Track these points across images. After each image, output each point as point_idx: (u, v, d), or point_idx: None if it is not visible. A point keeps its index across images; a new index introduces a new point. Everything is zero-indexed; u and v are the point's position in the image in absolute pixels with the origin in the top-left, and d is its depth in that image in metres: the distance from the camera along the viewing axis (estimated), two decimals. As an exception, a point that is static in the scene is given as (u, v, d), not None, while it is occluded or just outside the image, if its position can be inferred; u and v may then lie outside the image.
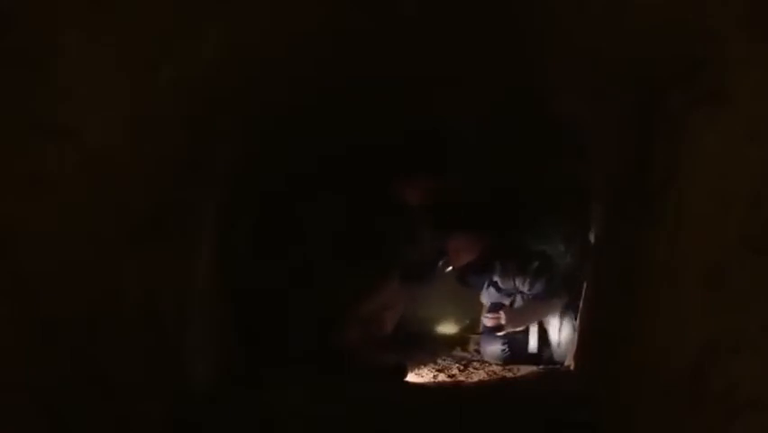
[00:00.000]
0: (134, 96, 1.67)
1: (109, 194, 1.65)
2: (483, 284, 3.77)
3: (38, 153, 1.44)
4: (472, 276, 3.79)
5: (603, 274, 2.52)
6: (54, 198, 1.48)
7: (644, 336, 1.75)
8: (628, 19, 1.74)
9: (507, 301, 3.68)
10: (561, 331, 3.57)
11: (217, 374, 2.49)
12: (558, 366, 3.35)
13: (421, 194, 3.53)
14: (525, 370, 3.30)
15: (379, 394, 2.64)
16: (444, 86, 2.82)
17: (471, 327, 3.96)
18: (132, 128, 1.70)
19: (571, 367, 3.06)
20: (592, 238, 3.03)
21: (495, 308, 3.67)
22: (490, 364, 3.54)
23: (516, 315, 3.60)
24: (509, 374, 3.28)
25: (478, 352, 3.80)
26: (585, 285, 2.97)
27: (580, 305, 3.06)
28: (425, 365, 3.46)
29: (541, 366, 3.37)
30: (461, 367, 3.47)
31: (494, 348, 3.63)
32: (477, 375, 3.34)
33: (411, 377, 3.24)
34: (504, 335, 3.59)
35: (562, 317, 3.57)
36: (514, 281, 3.63)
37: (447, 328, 4.16)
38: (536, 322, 3.60)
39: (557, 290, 3.55)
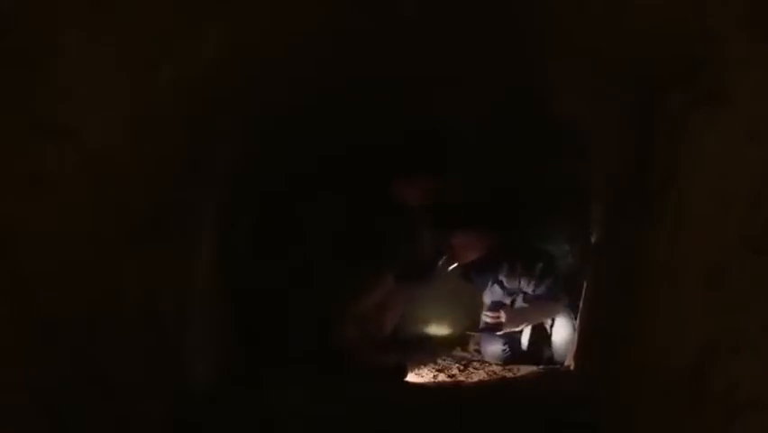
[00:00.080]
0: (134, 96, 1.67)
1: (109, 194, 1.65)
2: (487, 282, 3.76)
3: (38, 153, 1.44)
4: (477, 274, 3.78)
5: (603, 274, 2.52)
6: (54, 198, 1.48)
7: (644, 336, 1.75)
8: (628, 19, 1.74)
9: (508, 301, 3.68)
10: (560, 331, 3.57)
11: (217, 374, 2.49)
12: (558, 366, 3.35)
13: (421, 194, 3.52)
14: (525, 370, 3.30)
15: (379, 394, 2.64)
16: (444, 86, 2.82)
17: (471, 326, 3.95)
18: (132, 128, 1.70)
19: (571, 367, 3.06)
20: (592, 238, 3.03)
21: (496, 306, 3.67)
22: (490, 364, 3.53)
23: (516, 315, 3.60)
24: (509, 374, 3.28)
25: (478, 352, 3.80)
26: (585, 285, 2.97)
27: (580, 305, 3.06)
28: (425, 365, 3.46)
29: (541, 366, 3.37)
30: (461, 367, 3.47)
31: (495, 348, 3.63)
32: (477, 375, 3.34)
33: (411, 377, 3.24)
34: (504, 334, 3.59)
35: (561, 317, 3.57)
36: (519, 281, 3.63)
37: (447, 328, 4.16)
38: (535, 322, 3.60)
39: (559, 292, 3.55)
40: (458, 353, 3.83)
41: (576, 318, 3.30)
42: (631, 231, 1.98)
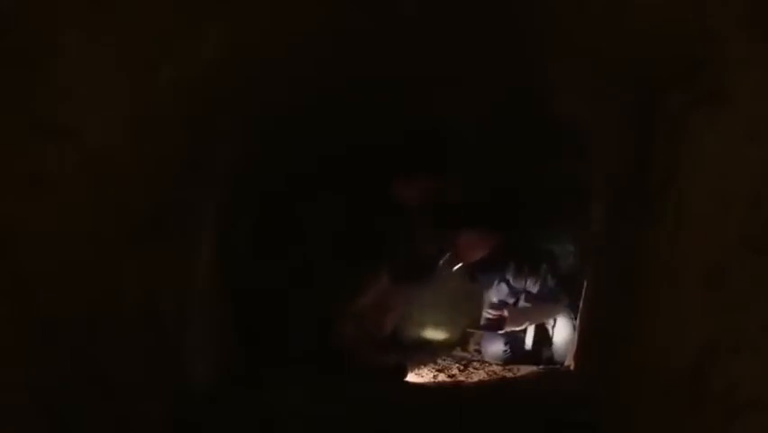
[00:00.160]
0: (134, 96, 1.67)
1: (109, 194, 1.65)
2: (493, 281, 3.76)
3: (38, 153, 1.44)
4: (481, 273, 3.78)
5: (603, 274, 2.52)
6: (54, 198, 1.48)
7: (644, 336, 1.75)
8: (628, 19, 1.74)
9: (511, 300, 3.69)
10: (561, 331, 3.57)
11: (217, 374, 2.49)
12: (558, 366, 3.35)
13: (421, 194, 3.52)
14: (525, 370, 3.30)
15: (379, 394, 2.64)
16: (444, 86, 2.82)
17: (472, 325, 3.95)
18: (132, 128, 1.70)
19: (571, 367, 3.06)
20: (592, 238, 3.03)
21: (499, 304, 3.68)
22: (490, 364, 3.54)
23: (519, 314, 3.60)
24: (509, 374, 3.28)
25: (478, 352, 3.80)
26: (585, 285, 2.97)
27: (580, 305, 3.06)
28: (425, 365, 3.46)
29: (541, 366, 3.37)
30: (461, 367, 3.47)
31: (495, 348, 3.63)
32: (477, 375, 3.34)
33: (411, 377, 3.24)
34: (505, 334, 3.60)
35: (562, 317, 3.58)
36: (525, 281, 3.63)
37: (448, 328, 4.15)
38: (537, 322, 3.60)
39: (560, 292, 3.56)
40: (458, 353, 3.83)
41: (576, 318, 3.31)
42: (631, 231, 1.98)
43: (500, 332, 3.61)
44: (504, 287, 3.71)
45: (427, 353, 3.68)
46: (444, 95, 2.89)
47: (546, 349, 3.60)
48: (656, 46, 1.68)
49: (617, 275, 2.15)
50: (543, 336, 3.64)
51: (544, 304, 3.61)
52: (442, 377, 3.31)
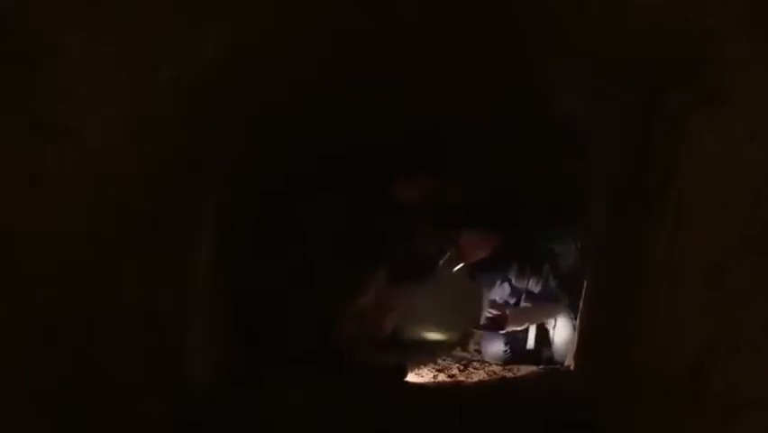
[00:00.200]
0: (134, 96, 1.67)
1: (109, 194, 1.65)
2: (495, 281, 3.76)
3: (38, 153, 1.44)
4: (482, 273, 3.78)
5: (603, 274, 2.52)
6: (54, 198, 1.48)
7: (644, 336, 1.75)
8: (628, 19, 1.74)
9: (513, 300, 3.69)
10: (561, 331, 3.58)
11: (217, 374, 2.49)
12: (558, 366, 3.35)
13: (421, 194, 3.52)
14: (525, 370, 3.30)
15: (379, 394, 2.64)
16: (444, 86, 2.82)
17: (473, 325, 3.95)
18: (132, 128, 1.70)
19: (571, 367, 3.06)
20: (592, 238, 3.03)
21: (500, 304, 3.67)
22: (490, 364, 3.54)
23: (520, 314, 3.60)
24: (509, 374, 3.28)
25: (478, 352, 3.80)
26: (585, 285, 2.97)
27: (580, 305, 3.06)
28: (425, 365, 3.45)
29: (541, 366, 3.37)
30: (461, 367, 3.47)
31: (496, 348, 3.64)
32: (477, 375, 3.34)
33: (411, 377, 3.24)
34: (505, 334, 3.60)
35: (562, 317, 3.58)
36: (528, 281, 3.63)
37: (448, 328, 4.15)
38: (537, 322, 3.60)
39: (560, 292, 3.56)
40: (458, 353, 3.83)
41: (576, 318, 3.31)
42: (631, 231, 1.98)
43: (501, 332, 3.61)
44: (506, 287, 3.72)
45: (427, 353, 3.67)
46: (444, 95, 2.89)
47: (546, 349, 3.60)
48: (656, 46, 1.67)
49: (617, 275, 2.15)
50: (543, 337, 3.65)
51: (544, 304, 3.62)
52: (442, 377, 3.31)
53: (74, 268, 1.56)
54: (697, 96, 1.48)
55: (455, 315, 4.08)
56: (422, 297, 3.81)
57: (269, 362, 2.83)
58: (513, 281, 3.68)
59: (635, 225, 1.92)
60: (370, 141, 3.23)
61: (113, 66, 1.57)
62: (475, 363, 3.56)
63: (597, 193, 2.82)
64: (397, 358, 3.28)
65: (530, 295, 3.65)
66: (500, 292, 3.74)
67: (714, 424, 1.30)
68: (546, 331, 3.66)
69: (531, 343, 3.61)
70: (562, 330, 3.60)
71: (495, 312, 3.61)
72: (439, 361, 3.58)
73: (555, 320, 3.64)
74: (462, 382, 3.22)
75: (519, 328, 3.62)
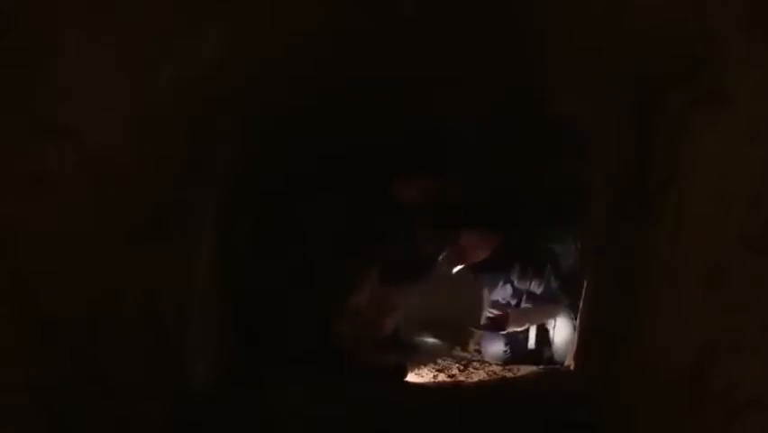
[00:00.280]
0: (134, 96, 1.67)
1: (109, 194, 1.65)
2: (497, 282, 3.76)
3: (38, 153, 1.44)
4: (482, 273, 3.78)
5: (603, 274, 2.52)
6: (54, 198, 1.48)
7: (644, 336, 1.75)
8: (628, 19, 1.74)
9: (514, 301, 3.69)
10: (561, 331, 3.58)
11: (217, 374, 2.49)
12: (558, 366, 3.35)
13: (421, 194, 3.52)
14: (525, 370, 3.30)
15: (379, 394, 2.64)
16: (444, 86, 2.82)
17: (473, 324, 3.95)
18: (132, 128, 1.70)
19: (571, 367, 3.06)
20: (592, 238, 3.03)
21: (502, 305, 3.67)
22: (490, 364, 3.54)
23: (521, 315, 3.60)
24: (509, 374, 3.28)
25: (478, 352, 3.80)
26: (585, 285, 2.97)
27: (581, 305, 3.06)
28: (425, 365, 3.45)
29: (541, 366, 3.37)
30: (461, 367, 3.47)
31: (496, 349, 3.64)
32: (477, 375, 3.34)
33: (411, 377, 3.24)
34: (506, 334, 3.60)
35: (562, 317, 3.58)
36: (530, 283, 3.63)
37: (448, 328, 4.15)
38: (537, 323, 3.61)
39: (561, 293, 3.56)
40: (458, 353, 3.83)
41: (576, 319, 3.31)
42: (631, 231, 1.98)
43: (502, 333, 3.61)
44: (508, 288, 3.71)
45: (427, 353, 3.67)
46: (444, 95, 2.89)
47: (546, 349, 3.60)
48: (656, 46, 1.67)
49: (617, 275, 2.15)
50: (543, 337, 3.65)
51: (546, 305, 3.61)
52: (442, 377, 3.30)
53: (74, 268, 1.56)
54: (697, 96, 1.48)
55: (456, 315, 4.09)
56: (423, 297, 3.82)
57: (269, 362, 2.83)
58: (515, 283, 3.68)
59: (635, 225, 1.92)
60: (370, 141, 3.23)
61: (113, 66, 1.57)
62: (475, 363, 3.56)
63: (597, 193, 2.82)
64: (397, 358, 3.28)
65: (531, 296, 3.65)
66: (502, 293, 3.74)
67: (714, 424, 1.30)
68: (546, 331, 3.66)
69: (532, 343, 3.62)
70: (562, 330, 3.60)
71: (496, 312, 3.61)
72: (439, 361, 3.58)
73: (555, 320, 3.64)
74: (462, 382, 3.22)
75: (520, 329, 3.62)
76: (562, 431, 2.14)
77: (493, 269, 3.72)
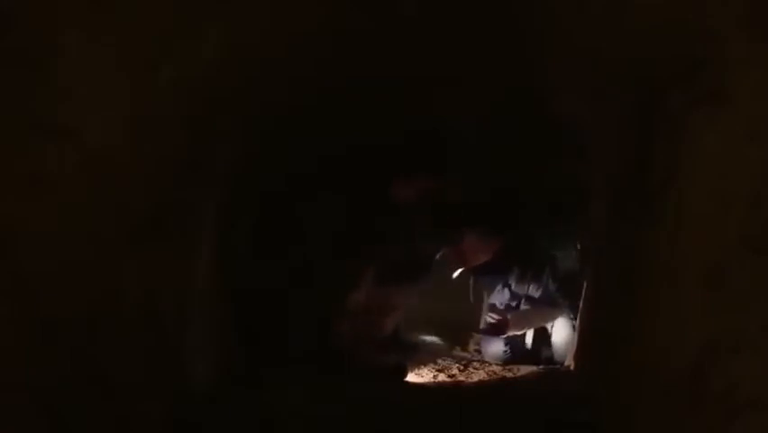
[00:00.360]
0: (134, 96, 1.67)
1: (109, 194, 1.65)
2: (495, 285, 3.75)
3: (38, 153, 1.44)
4: (484, 275, 3.77)
5: (603, 274, 2.52)
6: (54, 198, 1.48)
7: (644, 336, 1.75)
8: (628, 19, 1.74)
9: (513, 303, 3.69)
10: (560, 332, 3.58)
11: (217, 374, 2.49)
12: (558, 366, 3.35)
13: (421, 194, 3.52)
14: (525, 370, 3.30)
15: (379, 394, 2.64)
16: (444, 86, 2.82)
17: (473, 327, 3.95)
18: (132, 128, 1.70)
19: (571, 367, 3.06)
20: (592, 238, 3.03)
21: (501, 309, 3.67)
22: (490, 364, 3.54)
23: (521, 318, 3.60)
24: (509, 374, 3.28)
25: (478, 352, 3.80)
26: (585, 285, 2.97)
27: (581, 305, 3.06)
28: (425, 365, 3.45)
29: (541, 366, 3.38)
30: (461, 367, 3.47)
31: (496, 349, 3.64)
32: (477, 375, 3.34)
33: (411, 377, 3.24)
34: (506, 336, 3.60)
35: (561, 318, 3.58)
36: (528, 287, 3.63)
37: (448, 329, 4.15)
38: (537, 326, 3.61)
39: (560, 296, 3.55)
40: (458, 353, 3.83)
41: (575, 319, 3.31)
42: (631, 231, 1.98)
43: (502, 336, 3.62)
44: (506, 292, 3.71)
45: (427, 353, 3.68)
46: (444, 95, 2.89)
47: (546, 349, 3.60)
48: (656, 46, 1.67)
49: (617, 275, 2.15)
50: (542, 337, 3.65)
51: (544, 308, 3.61)
52: (442, 377, 3.30)
53: (74, 268, 1.56)
54: (697, 96, 1.48)
55: (456, 315, 4.09)
56: (423, 297, 3.82)
57: (269, 362, 2.83)
58: (513, 287, 3.68)
59: (635, 225, 1.92)
60: (370, 141, 3.23)
61: (113, 66, 1.57)
62: (475, 363, 3.56)
63: (597, 193, 2.82)
64: (397, 358, 3.28)
65: (529, 299, 3.65)
66: (500, 297, 3.74)
67: (714, 424, 1.30)
68: (545, 331, 3.66)
69: (529, 342, 3.62)
70: (560, 330, 3.60)
71: (496, 317, 3.61)
72: (439, 361, 3.58)
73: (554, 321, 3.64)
74: (462, 382, 3.22)
75: (520, 333, 3.62)
76: (562, 431, 2.14)
77: (492, 272, 3.72)
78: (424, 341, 3.92)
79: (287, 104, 2.71)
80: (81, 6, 1.46)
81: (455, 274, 3.77)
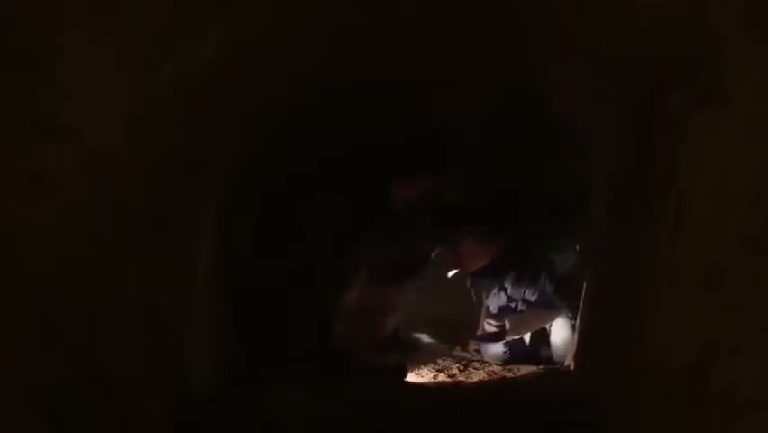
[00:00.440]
0: (134, 96, 1.67)
1: (109, 194, 1.65)
2: (491, 288, 3.75)
3: (38, 153, 1.44)
4: (481, 278, 3.77)
5: (603, 274, 2.52)
6: (54, 198, 1.49)
7: (644, 336, 1.75)
8: (628, 19, 1.74)
9: (512, 305, 3.68)
10: (559, 332, 3.58)
11: (217, 374, 2.49)
12: (558, 366, 3.35)
13: (420, 194, 3.52)
14: (525, 370, 3.29)
15: (379, 394, 2.64)
16: (444, 86, 2.82)
17: (471, 329, 3.95)
18: (132, 128, 1.70)
19: (571, 367, 3.05)
20: (592, 238, 3.03)
21: (499, 316, 3.66)
22: (490, 364, 3.53)
23: (518, 323, 3.60)
24: (509, 374, 3.28)
25: (478, 352, 3.80)
26: (585, 285, 2.97)
27: (580, 305, 3.06)
28: (425, 365, 3.45)
29: (541, 366, 3.38)
30: (461, 367, 3.47)
31: (495, 349, 3.64)
32: (477, 375, 3.33)
33: (411, 377, 3.24)
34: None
35: (559, 318, 3.58)
36: (524, 291, 3.62)
37: (447, 330, 4.15)
38: (535, 329, 3.61)
39: (557, 298, 3.55)
40: (458, 353, 3.83)
41: (574, 320, 3.31)
42: (631, 231, 1.98)
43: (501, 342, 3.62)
44: (502, 295, 3.71)
45: (427, 353, 3.68)
46: (444, 95, 2.89)
47: (545, 349, 3.60)
48: (656, 46, 1.67)
49: (617, 275, 2.15)
50: (541, 337, 3.65)
51: (542, 310, 3.61)
52: (442, 377, 3.30)
53: (74, 268, 1.57)
54: (697, 96, 1.48)
55: (455, 315, 4.09)
56: (421, 297, 3.82)
57: (269, 362, 2.83)
58: (509, 291, 3.67)
59: (635, 225, 1.92)
60: (370, 141, 3.23)
61: (113, 66, 1.57)
62: (475, 363, 3.55)
63: (597, 193, 2.82)
64: (397, 358, 3.28)
65: (525, 302, 3.65)
66: (496, 300, 3.74)
67: (714, 424, 1.30)
68: (544, 331, 3.66)
69: (527, 340, 3.63)
70: (560, 330, 3.60)
71: (494, 323, 3.60)
72: (439, 361, 3.58)
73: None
74: (462, 382, 3.22)
75: (518, 337, 3.63)
76: (562, 431, 2.14)
77: (487, 275, 3.72)
78: (424, 341, 3.92)
79: (287, 104, 2.71)
80: (81, 6, 1.46)
81: (450, 274, 3.77)
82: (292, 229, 3.19)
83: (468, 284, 3.87)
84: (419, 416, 2.41)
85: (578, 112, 2.58)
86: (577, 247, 3.55)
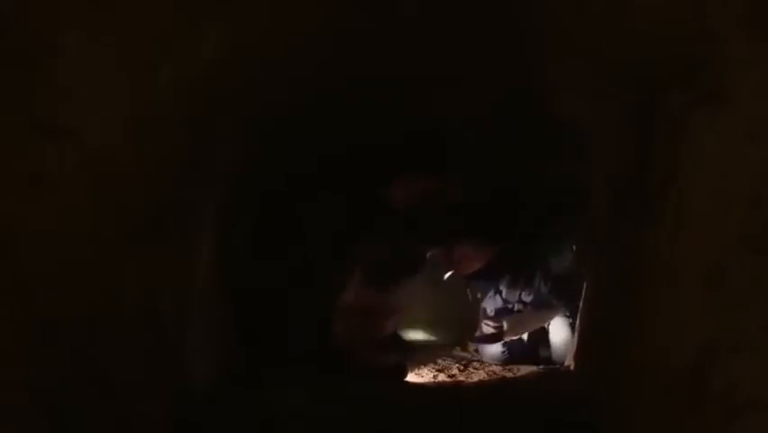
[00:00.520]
0: (134, 96, 1.67)
1: (109, 194, 1.65)
2: (487, 291, 3.75)
3: (38, 153, 1.44)
4: (477, 280, 3.77)
5: (603, 274, 2.52)
6: (54, 198, 1.48)
7: (644, 336, 1.75)
8: (628, 19, 1.74)
9: (509, 306, 3.69)
10: (558, 332, 3.58)
11: (217, 374, 2.49)
12: (558, 366, 3.35)
13: (420, 194, 3.52)
14: (524, 370, 3.30)
15: (379, 394, 2.64)
16: (444, 86, 2.82)
17: (470, 331, 3.95)
18: (132, 128, 1.70)
19: (571, 367, 3.05)
20: (592, 238, 3.03)
21: (496, 316, 3.66)
22: (490, 364, 3.54)
23: (516, 324, 3.60)
24: (509, 374, 3.28)
25: (477, 352, 3.81)
26: (585, 285, 2.97)
27: (580, 305, 3.06)
28: (425, 365, 3.46)
29: (541, 366, 3.38)
30: (461, 367, 3.47)
31: (494, 350, 3.64)
32: (477, 375, 3.34)
33: (411, 377, 3.24)
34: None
35: (558, 318, 3.58)
36: (520, 294, 3.63)
37: (446, 330, 4.15)
38: (533, 330, 3.62)
39: (554, 298, 3.55)
40: (458, 353, 3.83)
41: (572, 319, 3.31)
42: (631, 231, 1.98)
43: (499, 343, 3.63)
44: (498, 298, 3.71)
45: (427, 353, 3.67)
46: (444, 95, 2.89)
47: (544, 349, 3.60)
48: (656, 46, 1.67)
49: (617, 275, 2.15)
50: (540, 337, 3.65)
51: (538, 310, 3.61)
52: (442, 377, 3.30)
53: (74, 268, 1.56)
54: (697, 96, 1.48)
55: (453, 318, 4.08)
56: (420, 297, 3.81)
57: (269, 362, 2.83)
58: (504, 294, 3.68)
59: (635, 225, 1.92)
60: (370, 141, 3.23)
61: (113, 66, 1.57)
62: (475, 363, 3.56)
63: (597, 193, 2.82)
64: (397, 358, 3.28)
65: (521, 304, 3.65)
66: (492, 303, 3.74)
67: (714, 424, 1.30)
68: (544, 331, 3.66)
69: (525, 338, 3.63)
70: (559, 330, 3.60)
71: (492, 324, 3.60)
72: (439, 361, 3.58)
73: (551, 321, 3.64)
74: (462, 382, 3.22)
75: (516, 338, 3.63)
76: (562, 431, 2.14)
77: (482, 278, 3.72)
78: (423, 341, 3.92)
79: (287, 104, 2.71)
80: (81, 6, 1.46)
81: (446, 276, 3.77)
82: (292, 229, 3.19)
83: (464, 283, 3.87)
84: (419, 416, 2.41)
85: (578, 112, 2.58)
86: (573, 247, 3.55)
